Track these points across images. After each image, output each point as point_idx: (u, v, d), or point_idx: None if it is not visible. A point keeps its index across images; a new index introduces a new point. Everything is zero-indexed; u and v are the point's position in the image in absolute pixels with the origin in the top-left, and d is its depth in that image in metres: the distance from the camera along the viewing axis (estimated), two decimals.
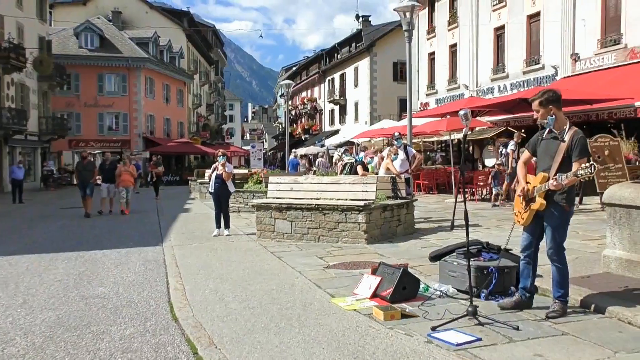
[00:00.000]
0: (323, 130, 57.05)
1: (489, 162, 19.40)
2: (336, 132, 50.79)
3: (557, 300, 5.06)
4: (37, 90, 36.24)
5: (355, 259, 8.40)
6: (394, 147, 11.71)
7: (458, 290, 5.99)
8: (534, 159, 5.46)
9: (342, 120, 52.15)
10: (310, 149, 39.34)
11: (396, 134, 12.20)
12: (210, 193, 11.96)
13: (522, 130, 23.85)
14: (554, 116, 5.07)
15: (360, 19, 52.10)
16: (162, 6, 61.73)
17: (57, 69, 37.36)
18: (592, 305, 5.11)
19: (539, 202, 4.99)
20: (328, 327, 5.03)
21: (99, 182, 17.41)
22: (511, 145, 15.32)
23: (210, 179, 11.78)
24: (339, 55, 54.50)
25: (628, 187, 5.94)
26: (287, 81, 27.32)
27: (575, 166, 4.87)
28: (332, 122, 55.51)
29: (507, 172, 14.84)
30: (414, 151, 11.96)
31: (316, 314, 5.48)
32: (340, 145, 35.82)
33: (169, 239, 11.36)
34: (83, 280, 7.51)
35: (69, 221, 15.45)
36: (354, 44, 50.98)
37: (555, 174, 4.91)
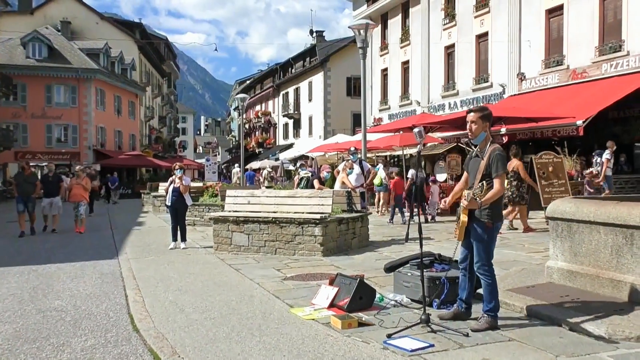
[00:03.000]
0: (277, 144, 57.20)
1: (441, 176, 19.97)
2: (290, 146, 51.05)
3: (485, 314, 5.21)
4: None
5: (312, 270, 8.59)
6: (349, 161, 11.99)
7: (412, 299, 6.25)
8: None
9: (297, 134, 52.44)
10: (265, 163, 39.41)
11: (352, 148, 12.50)
12: (167, 206, 11.97)
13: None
14: (485, 133, 5.28)
15: (314, 34, 52.66)
16: (113, 17, 60.92)
17: (3, 79, 36.38)
18: (537, 313, 5.43)
19: (462, 220, 5.23)
20: (288, 335, 5.19)
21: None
22: (606, 154, 15.52)
23: (167, 192, 11.78)
24: (293, 70, 54.89)
25: (569, 202, 6.34)
26: (242, 95, 27.45)
27: (496, 183, 5.06)
28: (286, 136, 55.73)
29: (599, 181, 14.86)
30: (369, 166, 12.27)
31: (276, 323, 5.63)
32: (295, 159, 36.10)
33: (124, 252, 11.29)
34: (38, 293, 7.44)
35: (17, 236, 14.77)
36: (308, 59, 51.47)
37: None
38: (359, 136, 25.43)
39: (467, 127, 5.33)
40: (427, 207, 15.20)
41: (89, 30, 49.16)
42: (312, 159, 29.06)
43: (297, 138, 51.75)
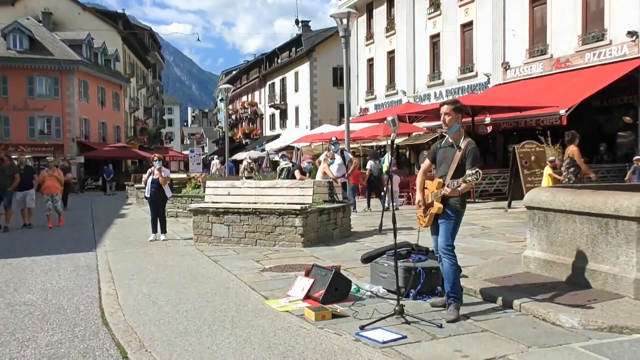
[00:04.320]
0: (264, 135, 56.95)
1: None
2: (277, 136, 50.85)
3: (450, 302, 5.25)
4: None
5: (291, 261, 8.51)
6: (331, 151, 11.90)
7: (388, 290, 6.18)
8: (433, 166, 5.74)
9: (283, 125, 52.24)
10: (251, 154, 39.20)
11: (333, 138, 12.42)
12: (147, 198, 11.82)
13: None
14: (458, 125, 5.37)
15: (300, 24, 52.32)
16: (95, 7, 60.19)
17: None
18: (511, 304, 5.39)
19: (437, 206, 5.27)
20: (260, 328, 5.11)
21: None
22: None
23: (146, 183, 11.63)
24: (279, 60, 54.60)
25: (546, 192, 6.29)
26: (226, 85, 27.23)
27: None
28: (272, 127, 55.51)
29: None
30: (351, 156, 12.19)
31: (249, 315, 5.55)
32: (280, 150, 35.93)
33: (103, 245, 11.15)
34: (9, 287, 7.30)
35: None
36: (294, 49, 51.20)
37: (451, 180, 5.20)
38: (344, 126, 25.34)
39: (441, 119, 5.42)
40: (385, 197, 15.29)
41: (70, 21, 48.47)
42: (298, 149, 28.89)
43: (283, 129, 51.56)
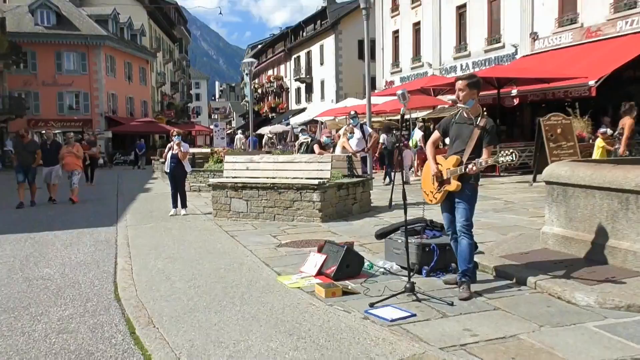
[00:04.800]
0: (290, 109, 56.83)
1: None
2: (303, 110, 50.69)
3: (463, 280, 5.14)
4: None
5: (308, 237, 8.47)
6: (350, 125, 11.75)
7: (401, 267, 6.09)
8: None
9: (309, 99, 52.02)
10: (276, 128, 39.18)
11: (352, 112, 12.24)
12: (166, 173, 11.87)
13: (484, 109, 24.19)
14: (474, 101, 5.18)
15: None
16: None
17: (12, 47, 36.26)
18: (526, 281, 5.26)
19: (455, 184, 5.14)
20: (269, 305, 5.08)
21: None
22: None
23: (165, 158, 11.67)
24: (304, 33, 54.14)
25: (565, 166, 6.10)
26: (250, 59, 27.11)
27: (485, 152, 5.07)
28: (298, 101, 55.33)
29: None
30: (370, 130, 12.02)
31: (260, 292, 5.53)
32: (305, 124, 35.84)
33: (124, 220, 11.27)
34: (30, 261, 7.41)
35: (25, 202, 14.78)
36: (319, 22, 50.67)
37: (469, 158, 5.06)
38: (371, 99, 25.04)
39: (455, 94, 5.27)
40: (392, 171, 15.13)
41: None
42: (322, 123, 28.75)
43: (309, 102, 51.35)
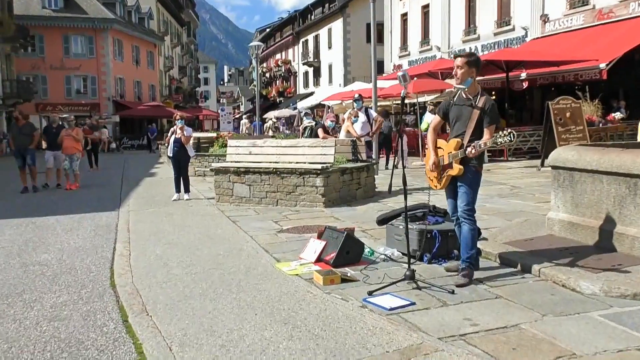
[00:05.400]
0: (297, 93, 56.53)
1: None
2: (311, 94, 50.38)
3: (464, 266, 5.03)
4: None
5: (310, 222, 8.35)
6: (354, 109, 11.58)
7: (403, 254, 5.96)
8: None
9: (317, 83, 51.70)
10: (283, 112, 38.96)
11: (356, 95, 12.06)
12: (169, 157, 11.76)
13: (493, 93, 23.92)
14: (472, 79, 4.99)
15: None
16: None
17: (19, 30, 36.19)
18: (530, 268, 5.12)
19: (457, 168, 4.97)
20: (266, 292, 4.98)
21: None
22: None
23: (168, 143, 11.55)
24: (312, 17, 53.68)
25: (571, 150, 5.92)
26: (257, 43, 26.89)
27: (486, 133, 4.87)
28: (306, 85, 55.01)
29: None
30: (375, 114, 11.84)
31: (257, 279, 5.42)
32: (312, 108, 35.59)
33: (127, 204, 11.20)
34: (28, 247, 7.35)
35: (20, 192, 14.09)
36: (327, 5, 50.17)
37: (470, 140, 4.89)
38: (378, 83, 24.78)
39: (454, 72, 5.06)
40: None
41: None
42: (329, 107, 28.51)
43: (317, 86, 51.04)
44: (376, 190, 11.25)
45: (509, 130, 4.70)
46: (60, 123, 14.90)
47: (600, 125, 15.63)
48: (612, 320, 4.02)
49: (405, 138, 15.33)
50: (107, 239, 7.76)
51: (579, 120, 13.13)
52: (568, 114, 13.01)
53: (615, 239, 5.26)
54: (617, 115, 16.34)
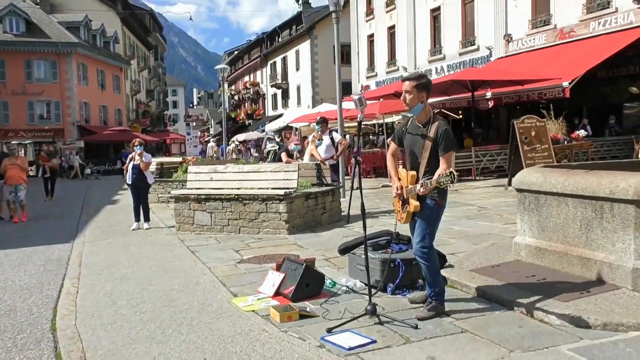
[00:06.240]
0: (266, 115, 56.33)
1: None
2: (279, 116, 50.17)
3: (431, 300, 4.74)
4: None
5: (272, 251, 8.04)
6: (318, 132, 11.35)
7: (366, 284, 5.68)
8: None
9: (285, 105, 51.58)
10: (250, 135, 38.64)
11: (318, 118, 11.84)
12: (128, 185, 11.34)
13: (460, 112, 24.04)
14: (422, 104, 4.67)
15: (300, 2, 51.28)
16: None
17: None
18: (497, 298, 4.89)
19: (413, 205, 4.63)
20: (219, 332, 4.64)
21: None
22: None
23: (126, 169, 11.15)
24: (279, 39, 53.73)
25: (536, 172, 5.74)
26: (222, 66, 26.62)
27: (442, 162, 4.52)
28: (275, 107, 54.87)
29: None
30: (340, 136, 11.63)
31: (211, 317, 5.08)
32: (280, 130, 35.39)
33: (83, 235, 10.74)
34: None
35: None
36: (294, 27, 50.30)
37: (425, 173, 4.60)
38: (344, 104, 24.67)
39: (402, 97, 4.72)
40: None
41: (67, 3, 47.72)
42: (297, 129, 28.31)
43: (286, 108, 50.89)
44: (342, 214, 11.00)
45: (450, 170, 4.38)
46: (5, 151, 14.10)
47: (566, 142, 15.68)
48: (583, 354, 3.79)
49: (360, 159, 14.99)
50: (56, 274, 7.32)
51: (544, 139, 13.12)
52: (533, 133, 12.99)
53: (582, 265, 5.07)
54: (582, 132, 16.43)
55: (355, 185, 4.67)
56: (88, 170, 36.42)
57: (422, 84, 4.65)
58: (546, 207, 5.50)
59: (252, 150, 35.11)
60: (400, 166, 4.94)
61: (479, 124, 23.24)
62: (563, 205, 5.28)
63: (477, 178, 17.41)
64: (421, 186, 4.49)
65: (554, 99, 17.17)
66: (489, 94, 19.57)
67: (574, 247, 5.20)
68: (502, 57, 22.80)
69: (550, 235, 5.49)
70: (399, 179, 4.80)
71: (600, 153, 17.30)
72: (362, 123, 18.66)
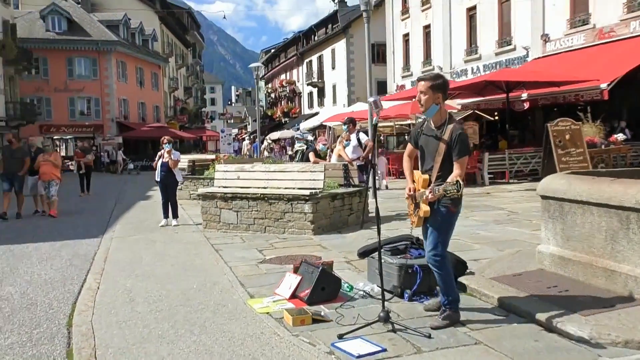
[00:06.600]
0: (302, 113, 56.41)
1: None
2: (315, 114, 50.22)
3: (445, 308, 4.62)
4: (3, 75, 35.16)
5: (296, 252, 8.00)
6: (346, 133, 11.27)
7: (384, 289, 5.59)
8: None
9: (321, 103, 51.57)
10: (284, 133, 38.74)
11: (346, 118, 11.76)
12: (157, 182, 11.46)
13: (496, 113, 23.60)
14: (438, 106, 4.54)
15: (336, 0, 51.12)
16: None
17: (23, 53, 36.26)
18: (515, 309, 4.75)
19: (423, 210, 4.51)
20: (230, 334, 4.62)
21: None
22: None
23: (155, 167, 11.27)
24: (315, 37, 53.75)
25: (561, 179, 5.56)
26: (257, 64, 26.73)
27: (456, 167, 4.39)
28: (311, 105, 54.91)
29: None
30: (366, 137, 11.52)
31: (225, 318, 5.07)
32: (314, 129, 35.39)
33: (112, 231, 10.90)
34: None
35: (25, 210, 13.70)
36: (330, 26, 50.24)
37: (437, 177, 4.48)
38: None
39: (417, 97, 4.62)
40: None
41: (107, 2, 48.70)
42: (330, 128, 28.23)
43: (321, 107, 50.89)
44: (369, 215, 10.89)
45: (457, 179, 4.24)
46: (44, 146, 14.45)
47: (603, 147, 15.24)
48: None
49: (382, 161, 14.79)
50: (81, 269, 7.43)
51: (579, 143, 12.74)
52: (568, 136, 12.63)
53: (607, 277, 4.88)
54: (620, 136, 15.95)
55: (371, 189, 4.58)
56: (131, 166, 37.02)
57: (438, 84, 4.52)
58: (571, 216, 5.32)
59: (287, 148, 35.18)
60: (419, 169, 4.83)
61: (514, 125, 22.80)
62: (588, 214, 5.10)
63: (511, 181, 17.08)
64: (430, 192, 4.39)
65: (591, 101, 16.71)
66: (524, 95, 19.17)
67: (598, 258, 5.01)
68: (539, 58, 22.31)
69: (574, 244, 5.31)
70: (413, 181, 4.70)
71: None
72: (396, 123, 18.42)
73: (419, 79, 4.63)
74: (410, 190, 4.67)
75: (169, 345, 4.42)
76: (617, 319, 4.28)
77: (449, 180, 4.31)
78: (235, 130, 52.35)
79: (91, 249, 8.92)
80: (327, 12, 54.34)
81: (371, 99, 4.78)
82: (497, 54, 25.12)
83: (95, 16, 44.80)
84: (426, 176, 4.55)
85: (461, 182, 4.20)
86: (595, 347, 4.00)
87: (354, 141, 11.07)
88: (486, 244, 7.89)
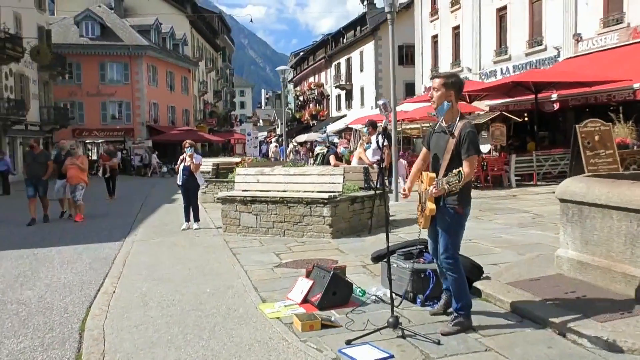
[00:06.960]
0: (330, 116, 56.41)
1: (484, 148, 18.81)
2: (343, 117, 50.13)
3: (456, 314, 4.52)
4: (38, 80, 35.94)
5: (313, 255, 7.96)
6: (367, 136, 11.19)
7: (396, 294, 5.51)
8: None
9: (349, 106, 51.48)
10: (311, 136, 38.72)
11: (367, 121, 11.67)
12: (179, 185, 11.54)
13: (525, 115, 23.20)
14: (450, 104, 4.47)
15: (365, 2, 51.02)
16: None
17: (57, 59, 37.01)
18: (530, 314, 4.62)
19: (429, 208, 4.44)
20: (238, 339, 4.60)
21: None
22: None
23: (177, 170, 11.34)
24: (344, 40, 53.70)
25: (580, 182, 5.40)
26: (283, 67, 26.80)
27: (465, 165, 4.30)
28: (339, 108, 54.87)
29: None
30: (387, 142, 11.40)
31: (235, 322, 5.05)
32: (341, 131, 35.31)
33: (134, 234, 11.00)
34: (17, 282, 7.13)
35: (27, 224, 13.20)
36: (359, 28, 50.14)
37: (444, 174, 4.39)
38: (403, 106, 24.36)
39: (429, 94, 4.56)
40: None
41: (140, 7, 49.47)
42: (356, 130, 28.10)
43: (349, 109, 50.79)
44: (391, 219, 10.78)
45: (459, 169, 4.16)
46: (71, 149, 14.65)
47: (635, 147, 14.83)
48: None
49: (402, 163, 14.60)
50: (100, 273, 7.49)
51: (608, 144, 12.40)
52: (597, 137, 12.30)
53: (626, 282, 4.72)
54: None
55: (380, 192, 4.51)
56: (165, 169, 37.39)
57: (452, 82, 4.48)
58: (590, 220, 5.16)
59: (315, 150, 35.09)
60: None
61: (545, 127, 22.38)
62: (607, 217, 4.94)
63: (538, 184, 16.75)
64: (434, 187, 4.32)
65: (623, 101, 16.29)
66: (554, 96, 18.79)
67: (618, 262, 4.85)
68: (570, 58, 21.85)
69: (593, 249, 5.14)
70: (421, 182, 4.62)
71: None
72: (423, 125, 18.14)
73: (434, 76, 4.61)
74: (404, 190, 4.68)
75: (177, 350, 4.41)
76: (634, 325, 4.13)
77: (450, 173, 4.24)
78: (264, 134, 52.44)
79: (112, 253, 9.01)
80: (357, 14, 54.27)
81: (380, 102, 4.78)
82: (527, 55, 24.69)
83: (128, 21, 45.53)
84: (433, 174, 4.50)
85: (462, 173, 4.11)
86: (610, 354, 3.86)
87: (374, 144, 10.98)
88: (507, 247, 7.73)
